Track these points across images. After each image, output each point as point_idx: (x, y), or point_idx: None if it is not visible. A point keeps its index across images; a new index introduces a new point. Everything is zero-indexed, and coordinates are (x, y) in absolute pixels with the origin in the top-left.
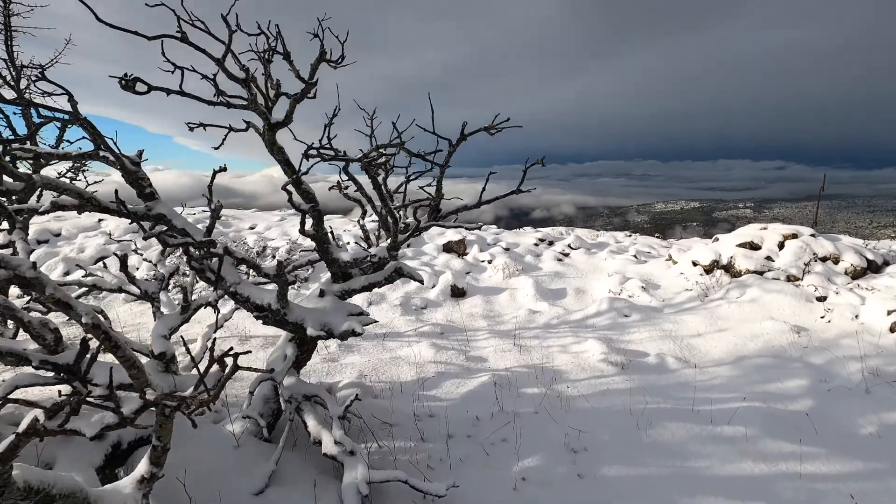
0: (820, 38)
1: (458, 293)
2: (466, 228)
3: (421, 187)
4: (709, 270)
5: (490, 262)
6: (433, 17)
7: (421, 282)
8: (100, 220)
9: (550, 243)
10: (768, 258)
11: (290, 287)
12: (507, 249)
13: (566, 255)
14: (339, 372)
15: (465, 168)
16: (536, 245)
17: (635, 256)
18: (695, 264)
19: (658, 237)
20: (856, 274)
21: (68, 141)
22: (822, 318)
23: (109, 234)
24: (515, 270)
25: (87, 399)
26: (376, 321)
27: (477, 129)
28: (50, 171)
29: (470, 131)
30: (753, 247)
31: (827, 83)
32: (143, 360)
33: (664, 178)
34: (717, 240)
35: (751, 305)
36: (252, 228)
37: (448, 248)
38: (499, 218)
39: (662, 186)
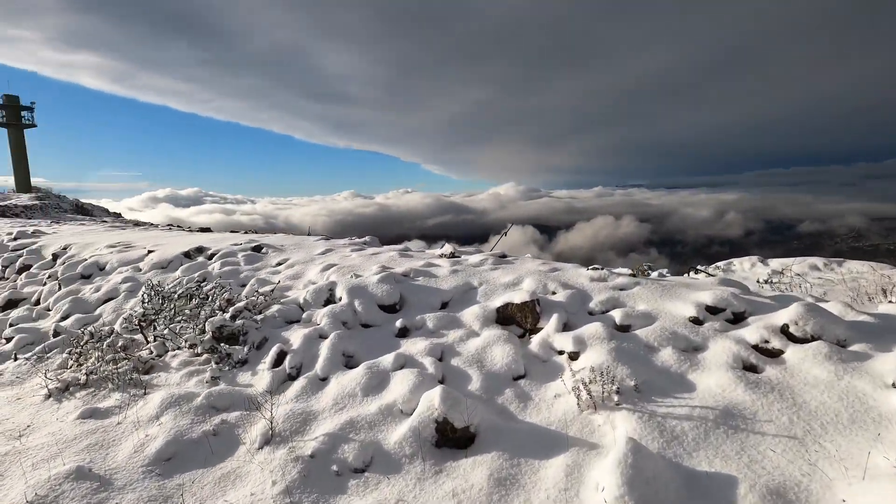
0: None
1: (453, 439)
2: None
3: None
4: None
5: (570, 357)
6: (665, 14)
7: None
8: (149, 251)
9: (736, 319)
10: None
11: (217, 369)
12: (621, 329)
13: (772, 354)
14: None
15: (704, 176)
16: (697, 323)
17: None
18: None
19: None
20: None
21: None
22: None
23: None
24: (613, 392)
25: None
26: None
27: None
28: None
29: None
30: None
31: None
32: None
33: None
34: None
35: None
36: (279, 264)
37: (505, 316)
38: (750, 232)
39: None
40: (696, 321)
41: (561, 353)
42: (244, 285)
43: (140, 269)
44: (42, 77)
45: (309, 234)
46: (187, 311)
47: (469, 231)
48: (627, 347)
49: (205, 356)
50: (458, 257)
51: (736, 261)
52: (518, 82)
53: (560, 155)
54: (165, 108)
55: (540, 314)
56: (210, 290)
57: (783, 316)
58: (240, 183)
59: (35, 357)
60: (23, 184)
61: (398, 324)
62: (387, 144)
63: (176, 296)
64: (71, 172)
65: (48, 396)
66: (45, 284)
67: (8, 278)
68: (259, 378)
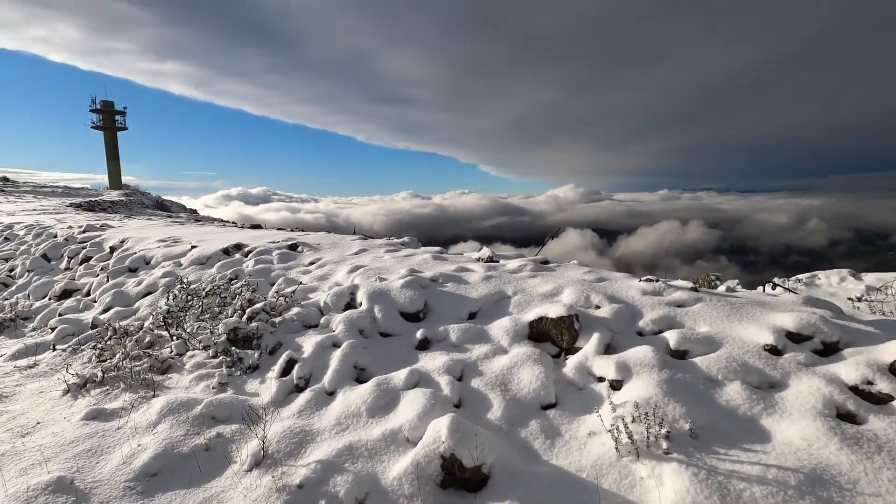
0: None
1: (461, 480)
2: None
3: None
4: None
5: (612, 386)
6: (744, 5)
7: None
8: (192, 247)
9: (826, 351)
10: None
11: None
12: (677, 355)
13: (878, 400)
14: None
15: (784, 180)
16: (774, 353)
17: None
18: None
19: None
20: None
21: None
22: None
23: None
24: (661, 436)
25: None
26: None
27: None
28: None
29: None
30: None
31: None
32: None
33: None
34: None
35: None
36: (311, 264)
37: (539, 331)
38: (836, 241)
39: None
40: (774, 350)
41: (601, 380)
42: (273, 284)
43: (181, 265)
44: (135, 84)
45: (355, 233)
46: (216, 310)
47: (526, 233)
48: (683, 379)
49: (219, 359)
50: (496, 262)
51: (821, 274)
52: (584, 83)
53: (624, 157)
54: (240, 111)
55: (578, 332)
56: (238, 288)
57: (893, 349)
58: (305, 183)
59: (70, 349)
60: (115, 182)
61: (418, 335)
62: (445, 146)
63: (203, 293)
64: (158, 171)
65: (66, 392)
66: (97, 276)
67: (72, 269)
68: (266, 387)
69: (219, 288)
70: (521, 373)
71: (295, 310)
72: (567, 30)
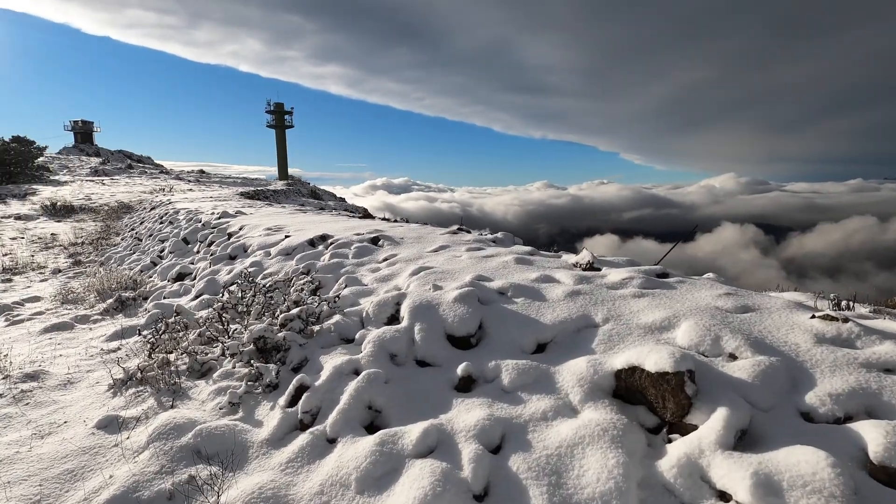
0: None
1: None
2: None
3: None
4: None
5: None
6: None
7: None
8: (286, 236)
9: None
10: None
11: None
12: (881, 475)
13: None
14: None
15: None
16: None
17: None
18: None
19: None
20: None
21: None
22: None
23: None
24: None
25: None
26: None
27: None
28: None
29: None
30: None
31: None
32: None
33: None
34: None
35: None
36: (384, 260)
37: (629, 387)
38: None
39: None
40: None
41: (723, 497)
42: (339, 281)
43: (269, 255)
44: (303, 87)
45: (461, 225)
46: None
47: (672, 227)
48: None
49: (245, 370)
50: (598, 270)
51: None
52: (750, 58)
53: (802, 141)
54: (387, 107)
55: (692, 399)
56: (302, 284)
57: None
58: (442, 173)
59: (149, 335)
60: (282, 173)
61: (461, 370)
62: (583, 134)
63: (265, 289)
64: (317, 164)
65: (111, 387)
66: (207, 261)
67: (199, 252)
68: (271, 417)
69: (281, 283)
70: (588, 457)
71: (336, 318)
72: None
